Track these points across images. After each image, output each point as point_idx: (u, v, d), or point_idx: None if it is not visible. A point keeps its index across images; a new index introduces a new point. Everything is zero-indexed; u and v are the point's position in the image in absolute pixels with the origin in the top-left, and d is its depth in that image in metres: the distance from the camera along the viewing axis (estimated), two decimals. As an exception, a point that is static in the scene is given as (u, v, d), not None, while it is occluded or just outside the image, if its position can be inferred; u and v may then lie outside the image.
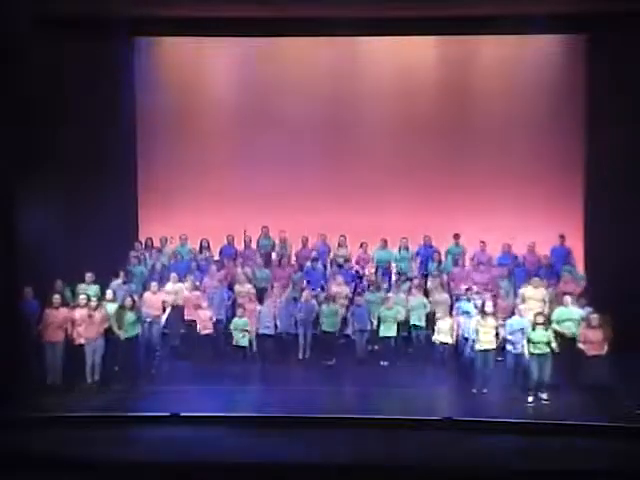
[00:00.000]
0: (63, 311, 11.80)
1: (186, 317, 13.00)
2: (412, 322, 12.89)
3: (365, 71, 15.51)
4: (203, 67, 15.85)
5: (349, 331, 12.93)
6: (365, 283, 13.58)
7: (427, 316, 12.93)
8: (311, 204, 15.33)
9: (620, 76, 13.61)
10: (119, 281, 12.93)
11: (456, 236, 14.54)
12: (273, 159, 15.48)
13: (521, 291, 12.59)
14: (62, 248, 13.12)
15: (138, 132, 15.64)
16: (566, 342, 11.39)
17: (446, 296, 13.03)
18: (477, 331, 11.34)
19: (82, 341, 11.65)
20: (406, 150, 15.48)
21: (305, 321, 12.92)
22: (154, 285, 12.82)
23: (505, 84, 15.32)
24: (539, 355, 11.08)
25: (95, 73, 14.22)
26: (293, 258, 14.61)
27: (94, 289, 12.50)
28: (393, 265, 14.32)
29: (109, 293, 12.15)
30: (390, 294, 12.96)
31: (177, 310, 13.04)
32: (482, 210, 15.02)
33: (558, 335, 11.34)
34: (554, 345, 11.12)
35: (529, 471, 8.89)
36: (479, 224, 14.73)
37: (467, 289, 12.56)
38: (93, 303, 11.77)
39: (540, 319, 11.16)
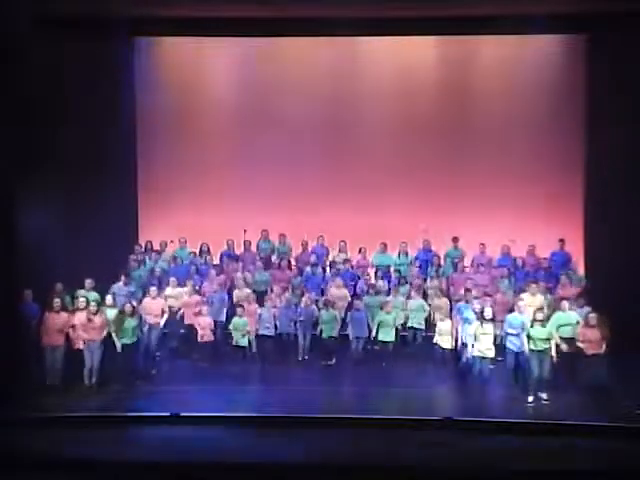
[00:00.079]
0: (63, 315, 11.76)
1: (186, 322, 12.97)
2: (410, 324, 12.90)
3: (365, 71, 15.51)
4: (203, 67, 15.85)
5: (348, 331, 12.91)
6: (364, 285, 13.55)
7: (426, 320, 12.94)
8: (311, 204, 15.34)
9: (620, 76, 13.62)
10: (120, 284, 12.87)
11: (455, 239, 14.52)
12: (273, 159, 15.48)
13: (519, 298, 12.52)
14: (62, 248, 13.12)
15: (138, 132, 15.65)
16: (565, 343, 11.37)
17: (445, 300, 12.99)
18: (476, 337, 11.32)
19: (81, 345, 11.64)
20: (406, 150, 15.49)
21: (305, 324, 12.91)
22: (153, 290, 12.75)
23: (505, 84, 15.33)
24: (538, 352, 11.09)
25: (95, 73, 14.22)
26: (293, 262, 14.58)
27: (93, 296, 12.42)
28: (393, 270, 14.29)
29: (109, 298, 12.08)
30: (389, 298, 12.93)
31: (177, 314, 13.02)
32: (482, 210, 15.02)
33: (558, 342, 11.31)
34: (554, 353, 11.13)
35: (529, 471, 8.89)
36: (479, 224, 14.74)
37: (466, 289, 12.55)
38: (93, 308, 11.72)
39: (539, 316, 11.17)
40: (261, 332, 12.53)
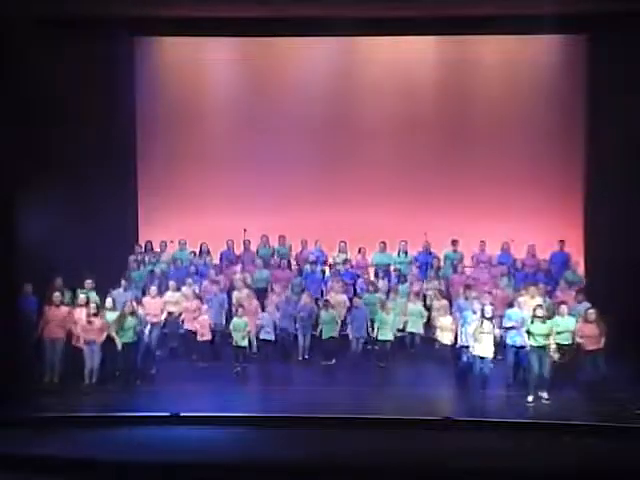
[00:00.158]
0: (64, 309, 11.83)
1: (185, 327, 12.92)
2: (409, 330, 12.91)
3: (365, 71, 15.53)
4: (203, 67, 15.85)
5: (348, 330, 12.91)
6: (364, 285, 13.55)
7: (424, 324, 12.94)
8: (310, 204, 15.35)
9: (620, 76, 13.60)
10: (120, 290, 12.82)
11: (454, 242, 14.52)
12: (273, 159, 15.50)
13: (518, 294, 12.54)
14: (62, 248, 13.10)
15: (138, 132, 15.66)
16: (562, 349, 11.36)
17: (445, 302, 12.97)
18: (476, 336, 11.30)
19: (81, 344, 11.64)
20: (406, 150, 15.49)
21: (304, 323, 12.90)
22: (153, 290, 12.78)
23: (505, 84, 15.34)
24: (538, 348, 11.09)
25: (95, 73, 14.21)
26: (293, 262, 14.58)
27: (94, 296, 12.43)
28: (392, 268, 14.30)
29: (109, 302, 12.07)
30: (389, 301, 12.89)
31: (177, 318, 13.00)
32: (482, 210, 15.03)
33: (558, 347, 11.31)
34: (553, 350, 11.14)
35: (529, 471, 8.88)
36: (479, 224, 14.73)
37: (466, 286, 12.54)
38: (93, 308, 11.73)
39: (539, 312, 11.17)
40: (262, 337, 12.45)
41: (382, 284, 13.61)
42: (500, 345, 11.62)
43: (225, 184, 15.64)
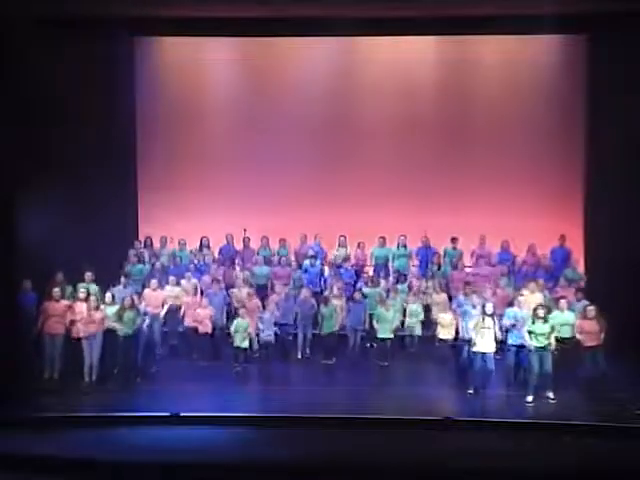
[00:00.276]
0: (63, 303, 11.86)
1: (186, 323, 12.95)
2: (409, 332, 12.90)
3: (365, 71, 15.53)
4: (203, 67, 15.85)
5: (346, 323, 12.90)
6: (363, 281, 13.57)
7: (423, 323, 12.95)
8: (311, 204, 15.36)
9: (620, 76, 13.61)
10: (120, 287, 12.84)
11: (454, 240, 14.52)
12: (273, 159, 15.50)
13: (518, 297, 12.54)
14: (62, 248, 13.10)
15: (138, 132, 15.67)
16: (564, 344, 11.38)
17: (444, 295, 13.05)
18: (476, 332, 11.30)
19: (81, 334, 11.65)
20: (406, 150, 15.49)
21: (304, 317, 12.91)
22: (154, 282, 12.85)
23: (505, 84, 15.34)
24: (539, 348, 11.08)
25: (95, 73, 14.22)
26: (292, 258, 14.58)
27: (94, 288, 12.51)
28: (391, 263, 14.34)
29: (108, 297, 12.10)
30: (388, 298, 12.90)
31: (176, 310, 13.01)
32: (482, 210, 15.02)
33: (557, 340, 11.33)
34: (553, 346, 11.13)
35: (529, 471, 8.88)
36: (479, 224, 14.72)
37: (466, 283, 12.54)
38: (93, 302, 11.77)
39: (541, 312, 11.16)
40: (262, 338, 12.42)
41: (382, 283, 13.60)
42: (501, 344, 11.61)
43: (225, 184, 15.64)
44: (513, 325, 11.39)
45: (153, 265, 13.94)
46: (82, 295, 11.93)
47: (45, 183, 12.76)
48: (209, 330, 12.66)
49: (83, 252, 13.35)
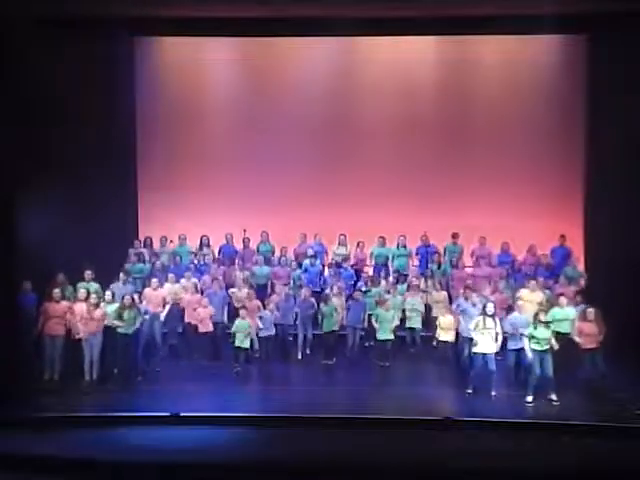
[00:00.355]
0: (63, 304, 11.87)
1: (186, 320, 12.96)
2: (408, 325, 12.91)
3: (364, 71, 15.54)
4: (203, 67, 15.86)
5: (346, 326, 12.90)
6: (363, 282, 13.57)
7: (423, 320, 12.95)
8: (311, 204, 15.37)
9: (620, 76, 13.61)
10: (119, 283, 12.88)
11: (454, 235, 14.55)
12: (273, 159, 15.51)
13: (518, 295, 12.53)
14: (62, 249, 13.10)
15: (138, 132, 15.67)
16: (563, 340, 11.37)
17: (444, 294, 13.07)
18: (477, 332, 11.28)
19: (81, 335, 11.67)
20: (406, 150, 15.51)
21: (304, 317, 12.91)
22: (154, 281, 12.85)
23: (505, 84, 15.35)
24: (540, 351, 11.07)
25: (95, 73, 14.22)
26: (292, 257, 14.56)
27: (94, 287, 12.53)
28: (390, 263, 14.34)
29: (108, 294, 12.13)
30: (387, 296, 12.90)
31: (177, 309, 13.01)
32: (482, 210, 15.02)
33: (555, 334, 11.33)
34: (553, 342, 11.12)
35: (529, 471, 8.88)
36: (479, 224, 14.72)
37: (466, 287, 12.54)
38: (93, 300, 11.79)
39: (542, 317, 11.15)
40: (262, 334, 12.43)
41: (382, 283, 13.59)
42: (500, 345, 11.61)
43: (225, 184, 15.65)
44: (517, 334, 11.36)
45: (153, 264, 13.96)
46: (82, 295, 11.94)
47: (45, 183, 12.76)
48: (209, 329, 12.66)
49: (83, 252, 13.35)
